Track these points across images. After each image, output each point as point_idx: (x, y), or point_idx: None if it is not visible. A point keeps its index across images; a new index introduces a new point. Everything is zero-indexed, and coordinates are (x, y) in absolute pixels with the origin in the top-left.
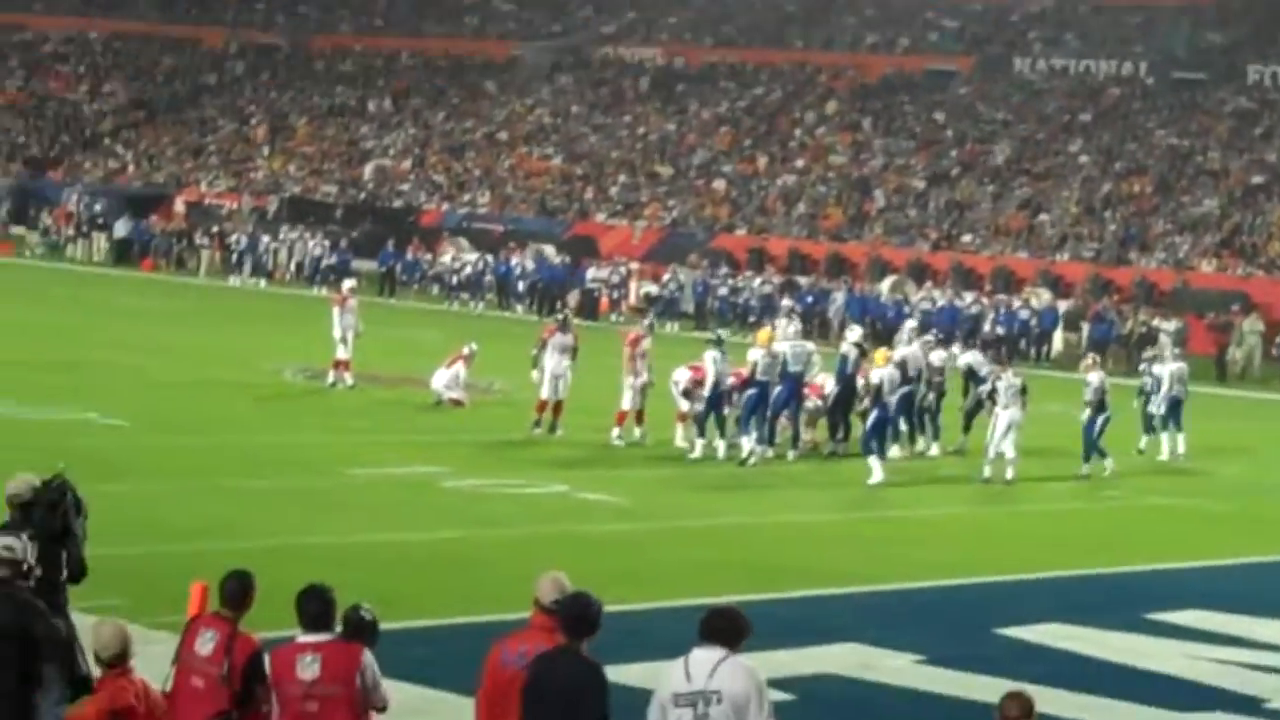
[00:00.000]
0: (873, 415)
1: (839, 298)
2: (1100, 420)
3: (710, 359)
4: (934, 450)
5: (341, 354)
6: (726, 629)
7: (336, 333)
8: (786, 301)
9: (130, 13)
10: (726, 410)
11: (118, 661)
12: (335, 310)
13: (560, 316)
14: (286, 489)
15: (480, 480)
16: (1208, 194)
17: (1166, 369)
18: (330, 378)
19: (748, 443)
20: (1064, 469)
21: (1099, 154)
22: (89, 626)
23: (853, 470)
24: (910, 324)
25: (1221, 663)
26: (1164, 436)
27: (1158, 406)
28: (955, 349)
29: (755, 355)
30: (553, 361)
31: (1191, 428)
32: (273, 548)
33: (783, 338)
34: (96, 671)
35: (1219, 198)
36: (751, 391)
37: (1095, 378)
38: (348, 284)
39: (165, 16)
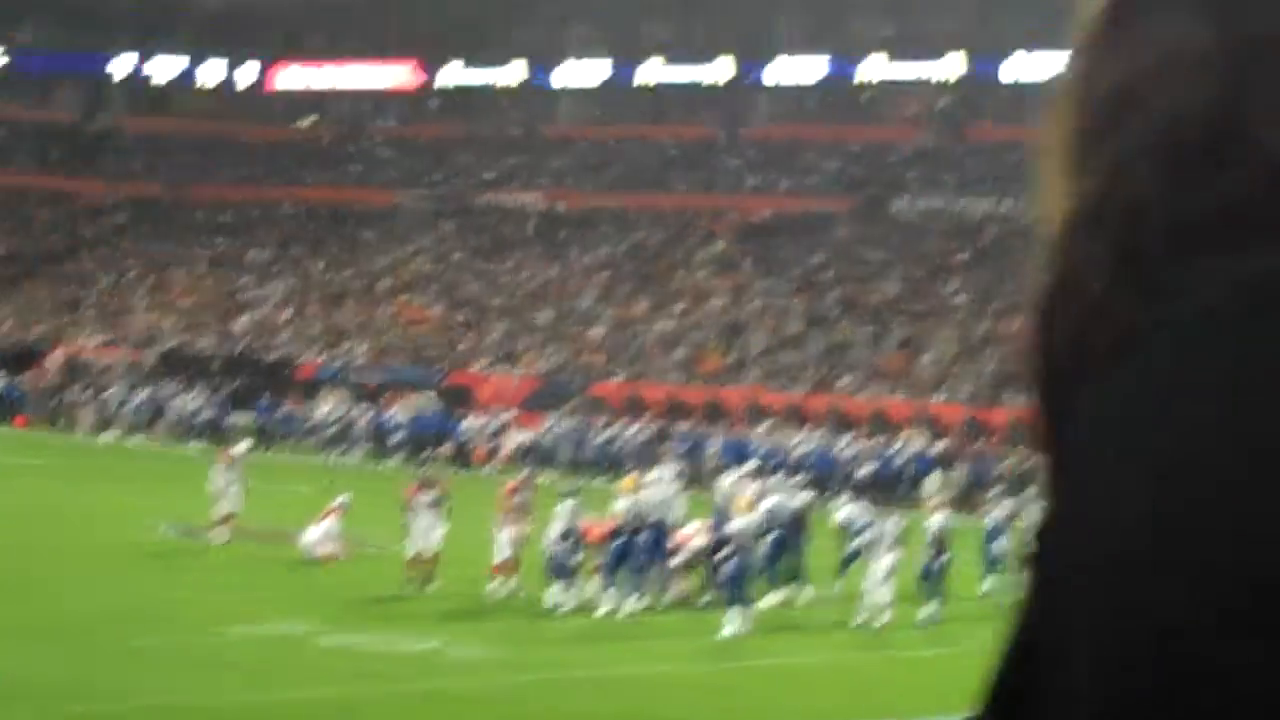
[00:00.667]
0: (732, 563)
1: (716, 443)
2: (940, 561)
3: (564, 509)
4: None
5: (224, 509)
6: None
7: (219, 487)
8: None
9: (6, 165)
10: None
11: None
12: (219, 466)
13: (422, 473)
14: (160, 647)
15: (356, 637)
16: None
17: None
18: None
19: (611, 594)
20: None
21: (976, 293)
22: None
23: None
24: (751, 465)
25: None
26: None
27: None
28: (836, 497)
29: (622, 504)
30: (422, 519)
31: None
32: (146, 708)
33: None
34: None
35: None
36: (619, 541)
37: (938, 519)
38: (243, 445)
39: (42, 169)
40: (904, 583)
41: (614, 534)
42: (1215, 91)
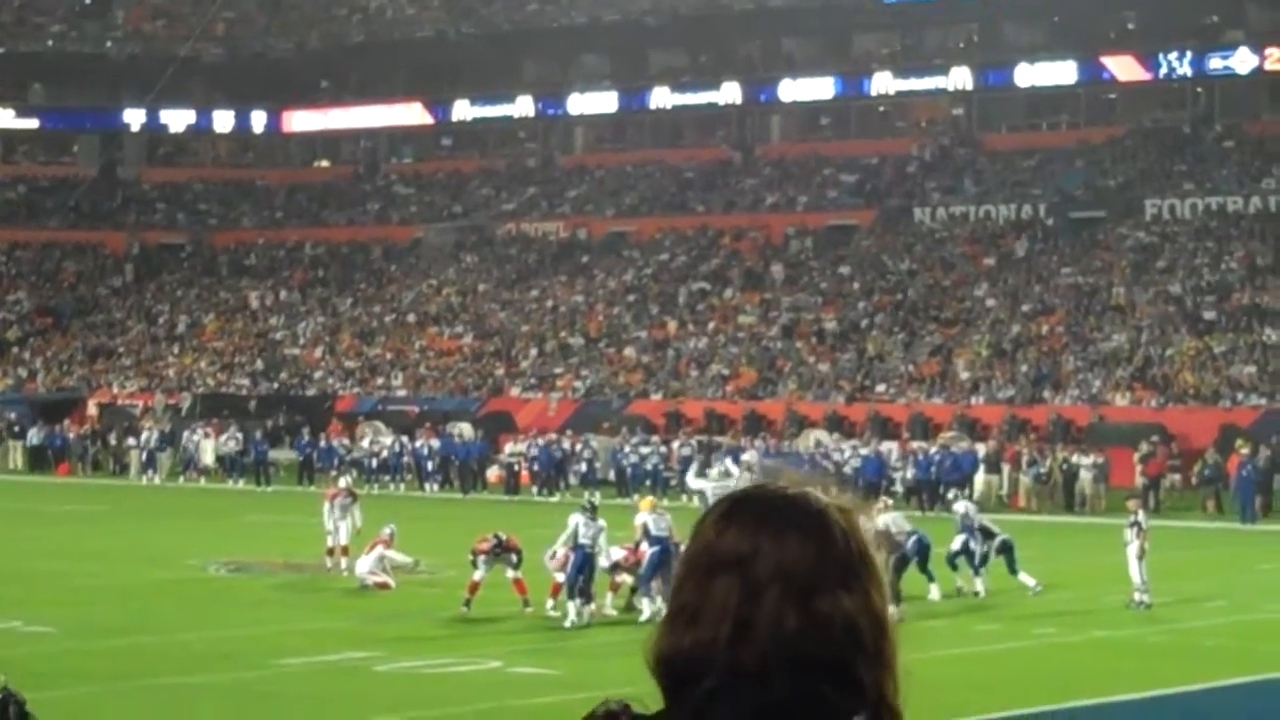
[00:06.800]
0: None
1: (752, 454)
2: (893, 560)
3: (573, 523)
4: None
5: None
6: None
7: (328, 525)
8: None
9: (31, 223)
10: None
11: None
12: (325, 505)
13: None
14: (218, 684)
15: (414, 662)
16: (1116, 329)
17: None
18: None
19: (649, 605)
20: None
21: (1005, 297)
22: None
23: None
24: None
25: None
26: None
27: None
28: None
29: (642, 518)
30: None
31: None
32: None
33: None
34: None
35: (1127, 332)
36: (654, 549)
37: (884, 520)
38: (344, 481)
39: (65, 223)
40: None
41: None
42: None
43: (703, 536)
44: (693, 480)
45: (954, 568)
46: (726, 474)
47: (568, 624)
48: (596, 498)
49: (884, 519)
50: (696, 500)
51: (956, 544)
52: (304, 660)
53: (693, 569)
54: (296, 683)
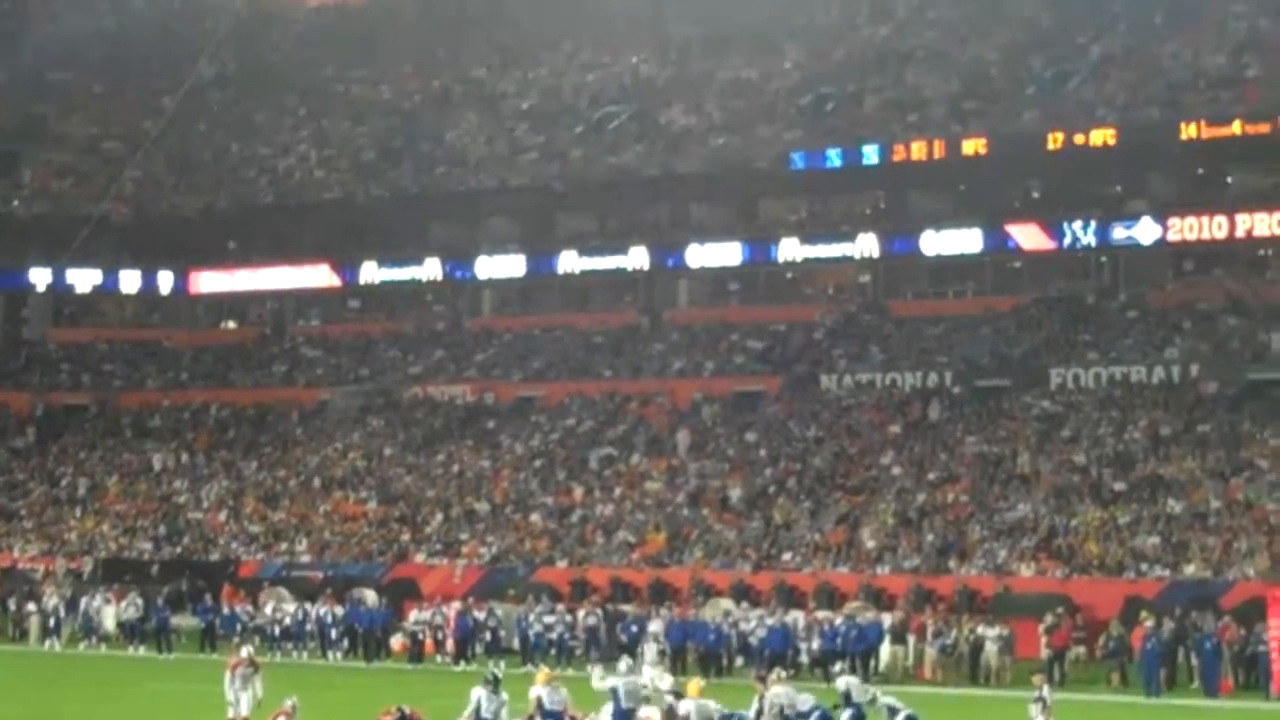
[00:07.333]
0: None
1: (657, 625)
2: None
3: (475, 697)
4: None
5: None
6: None
7: (230, 695)
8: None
9: None
10: None
11: None
12: (227, 675)
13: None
14: None
15: None
16: (1021, 499)
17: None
18: None
19: None
20: None
21: (911, 465)
22: None
23: None
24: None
25: None
26: None
27: None
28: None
29: (537, 692)
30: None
31: None
32: None
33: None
34: None
35: (1032, 502)
36: None
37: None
38: (245, 650)
39: None
40: None
41: None
42: None
43: None
44: (598, 682)
45: None
46: (632, 670)
47: None
48: (500, 670)
49: (779, 693)
50: (610, 698)
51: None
52: None
53: None
54: None
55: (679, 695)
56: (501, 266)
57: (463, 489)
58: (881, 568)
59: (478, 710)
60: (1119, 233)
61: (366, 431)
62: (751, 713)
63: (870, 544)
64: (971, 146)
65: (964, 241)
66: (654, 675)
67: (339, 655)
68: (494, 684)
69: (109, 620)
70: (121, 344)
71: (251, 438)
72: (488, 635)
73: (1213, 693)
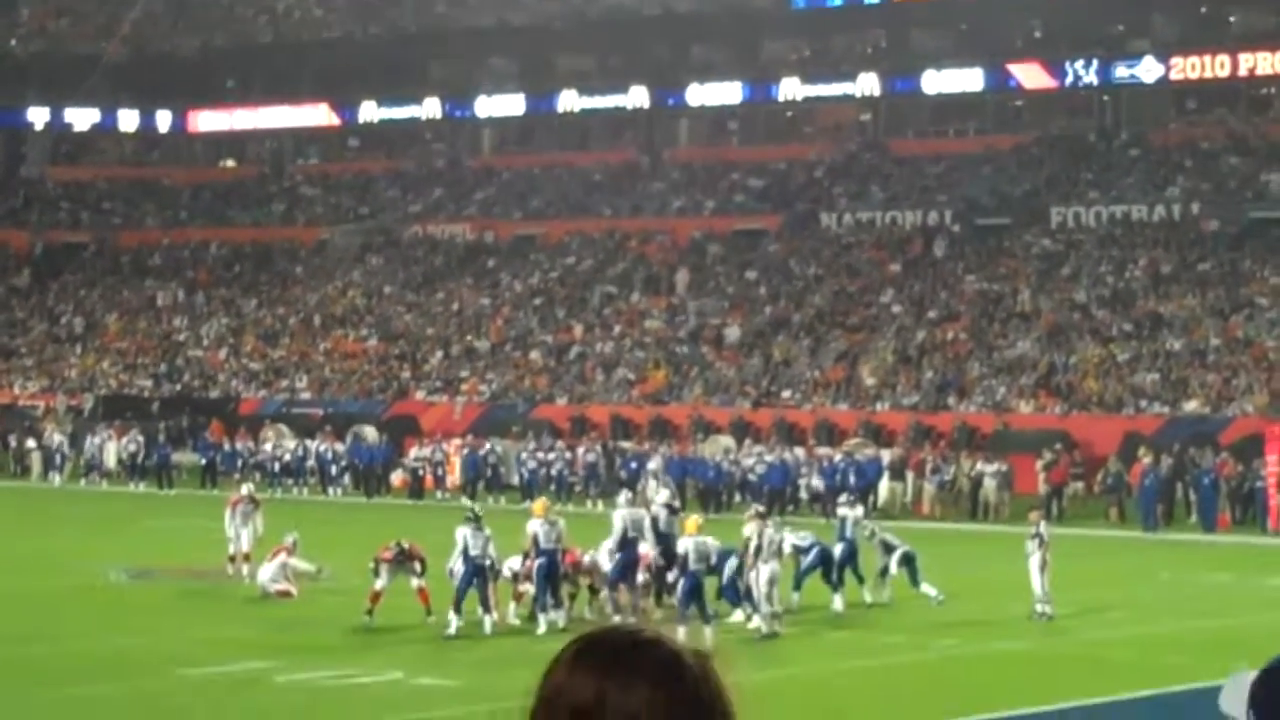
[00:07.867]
0: (683, 583)
1: (657, 460)
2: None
3: (460, 536)
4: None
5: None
6: None
7: (230, 531)
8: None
9: None
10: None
11: None
12: (227, 511)
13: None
14: (118, 695)
15: (314, 673)
16: (1020, 336)
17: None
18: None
19: (543, 619)
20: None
21: (911, 303)
22: None
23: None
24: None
25: None
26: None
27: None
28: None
29: (533, 526)
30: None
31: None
32: None
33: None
34: None
35: (1032, 339)
36: (540, 561)
37: (750, 529)
38: (245, 488)
39: None
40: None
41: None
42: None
43: (554, 677)
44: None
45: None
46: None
47: (447, 633)
48: (478, 507)
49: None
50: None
51: (837, 551)
52: (204, 670)
53: (548, 712)
54: (195, 694)
55: (673, 509)
56: (501, 105)
57: (462, 327)
58: (881, 405)
59: (466, 549)
60: (1121, 71)
61: (366, 270)
62: (751, 548)
63: (870, 381)
64: None
65: (965, 80)
66: (652, 490)
67: (339, 491)
68: (476, 520)
69: (110, 457)
70: (120, 182)
71: (251, 276)
72: (489, 471)
73: (1210, 528)
